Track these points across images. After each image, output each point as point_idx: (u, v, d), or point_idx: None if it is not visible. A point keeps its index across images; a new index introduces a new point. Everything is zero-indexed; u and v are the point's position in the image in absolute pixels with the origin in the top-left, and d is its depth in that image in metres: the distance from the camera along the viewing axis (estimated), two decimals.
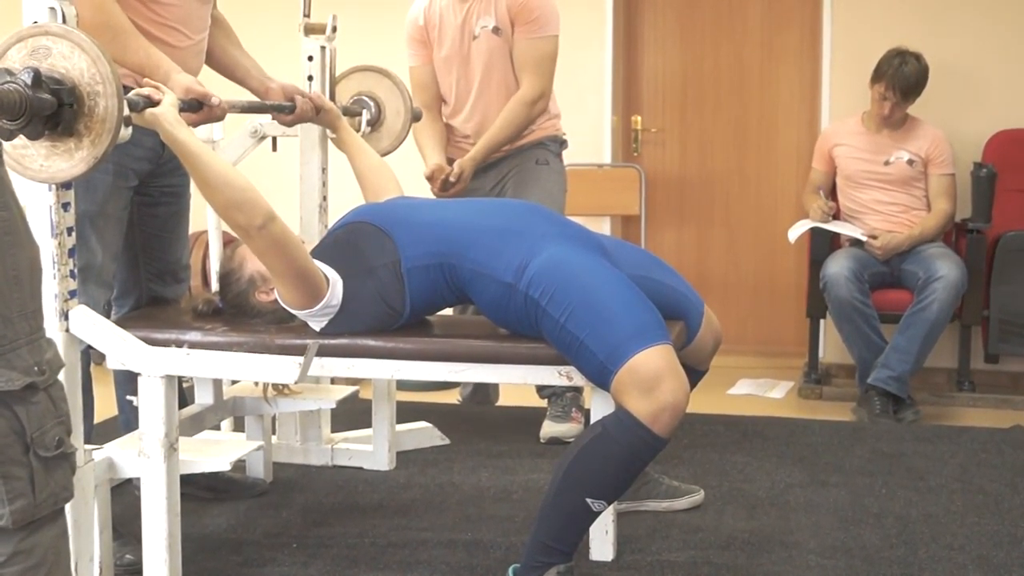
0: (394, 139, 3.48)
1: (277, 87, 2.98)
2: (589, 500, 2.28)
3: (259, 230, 2.36)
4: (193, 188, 3.04)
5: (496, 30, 3.71)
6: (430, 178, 3.74)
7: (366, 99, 3.42)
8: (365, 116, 3.39)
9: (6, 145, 2.05)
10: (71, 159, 2.07)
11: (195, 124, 2.55)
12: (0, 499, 1.48)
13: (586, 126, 5.17)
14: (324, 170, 3.31)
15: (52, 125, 2.02)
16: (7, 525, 1.49)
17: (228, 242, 3.30)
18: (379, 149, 3.37)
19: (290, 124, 3.06)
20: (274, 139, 3.41)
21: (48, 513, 1.53)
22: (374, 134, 3.45)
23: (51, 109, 1.99)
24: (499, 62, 3.74)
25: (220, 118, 2.64)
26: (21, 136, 1.98)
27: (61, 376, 1.59)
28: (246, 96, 3.03)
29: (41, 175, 2.12)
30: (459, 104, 3.82)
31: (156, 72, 2.52)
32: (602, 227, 5.17)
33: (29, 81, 1.93)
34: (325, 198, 3.33)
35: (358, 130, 3.30)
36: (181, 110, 2.41)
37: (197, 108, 2.54)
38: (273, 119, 3.12)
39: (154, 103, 2.33)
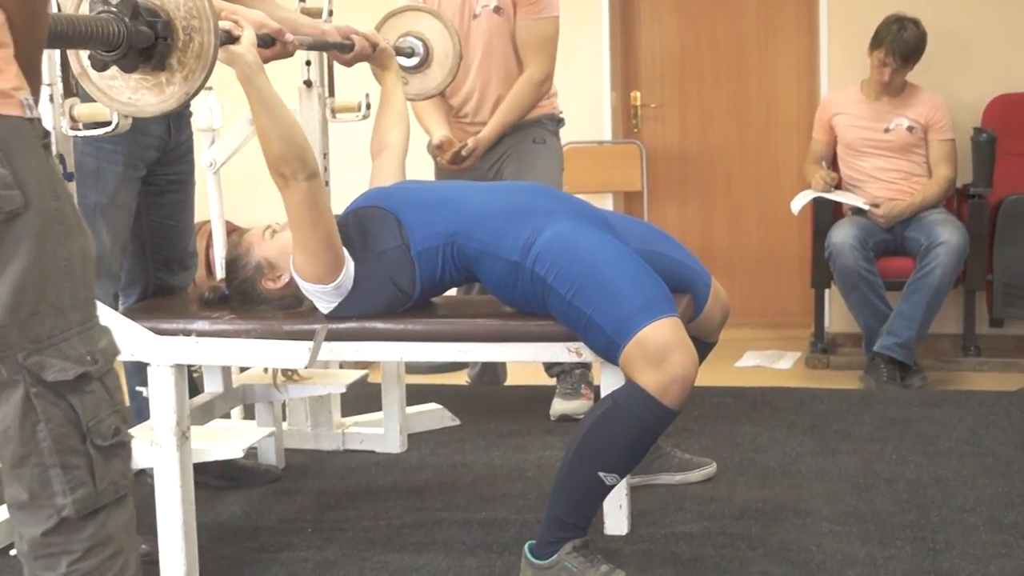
0: (440, 83, 3.39)
1: (332, 28, 2.94)
2: (602, 474, 2.29)
3: (300, 182, 2.37)
4: (198, 175, 3.06)
5: (497, 9, 3.71)
6: (439, 147, 3.72)
7: (414, 39, 3.38)
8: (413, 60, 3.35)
9: (93, 74, 2.03)
10: (161, 94, 2.01)
11: (267, 60, 2.48)
12: (61, 490, 1.50)
13: (585, 103, 5.17)
14: (325, 155, 3.30)
15: (145, 58, 1.96)
16: (70, 515, 1.50)
17: (232, 231, 3.30)
18: (424, 90, 3.37)
19: (349, 63, 3.01)
20: None
21: (111, 501, 1.55)
22: (419, 75, 3.42)
23: (149, 42, 1.93)
24: (500, 42, 3.74)
25: (291, 54, 2.60)
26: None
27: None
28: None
29: (128, 108, 2.07)
30: (458, 83, 3.80)
31: (219, 12, 2.36)
32: (604, 204, 5.17)
33: (128, 12, 1.89)
34: (327, 183, 3.33)
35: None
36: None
37: (271, 44, 2.49)
38: (331, 59, 3.10)
39: (233, 39, 2.28)
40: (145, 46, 1.93)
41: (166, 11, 1.95)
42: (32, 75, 1.56)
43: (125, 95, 2.04)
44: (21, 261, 1.44)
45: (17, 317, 1.45)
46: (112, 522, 1.54)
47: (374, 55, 3.01)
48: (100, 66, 1.94)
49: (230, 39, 2.27)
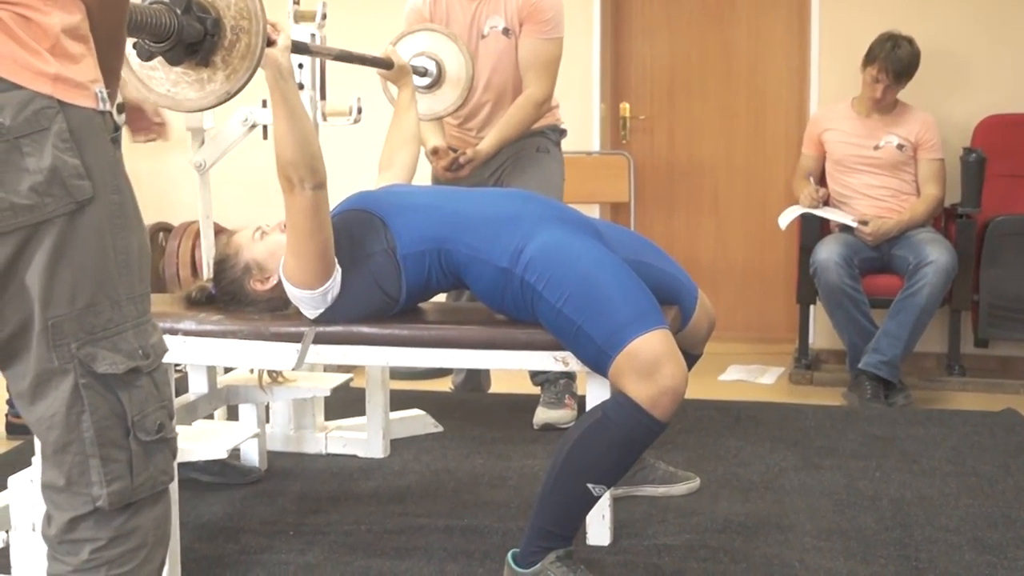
0: (450, 105, 3.42)
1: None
2: (590, 485, 2.28)
3: (307, 190, 2.35)
4: (188, 175, 3.04)
5: (506, 31, 3.71)
6: (434, 152, 3.72)
7: (427, 59, 3.37)
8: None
9: (134, 62, 2.02)
10: (202, 90, 2.03)
11: None
12: (99, 480, 1.51)
13: (575, 114, 5.16)
14: None
15: (191, 52, 1.97)
16: (104, 506, 1.51)
17: (219, 231, 3.29)
18: (433, 110, 3.39)
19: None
20: (265, 127, 3.40)
21: (147, 496, 1.55)
22: (429, 95, 3.41)
23: (198, 38, 1.94)
24: (507, 63, 3.74)
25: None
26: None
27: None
28: None
29: (164, 101, 2.07)
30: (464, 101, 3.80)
31: None
32: (591, 214, 5.15)
33: (182, 6, 1.90)
34: None
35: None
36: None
37: (304, 50, 2.51)
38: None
39: (270, 42, 2.27)
40: (193, 41, 1.94)
41: (217, 9, 1.97)
42: (108, 65, 1.56)
43: (164, 87, 2.05)
44: (83, 252, 1.45)
45: (74, 307, 1.46)
46: (142, 516, 1.56)
47: (390, 72, 3.03)
48: (146, 56, 1.95)
49: (268, 41, 2.28)
